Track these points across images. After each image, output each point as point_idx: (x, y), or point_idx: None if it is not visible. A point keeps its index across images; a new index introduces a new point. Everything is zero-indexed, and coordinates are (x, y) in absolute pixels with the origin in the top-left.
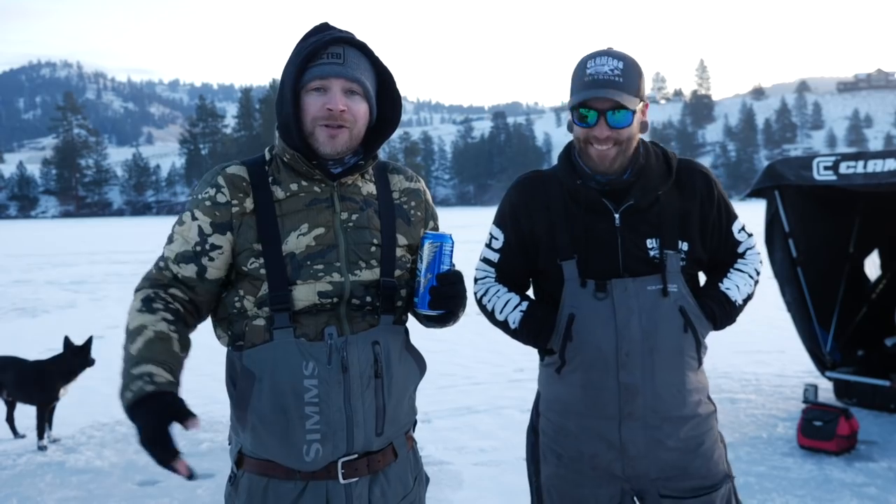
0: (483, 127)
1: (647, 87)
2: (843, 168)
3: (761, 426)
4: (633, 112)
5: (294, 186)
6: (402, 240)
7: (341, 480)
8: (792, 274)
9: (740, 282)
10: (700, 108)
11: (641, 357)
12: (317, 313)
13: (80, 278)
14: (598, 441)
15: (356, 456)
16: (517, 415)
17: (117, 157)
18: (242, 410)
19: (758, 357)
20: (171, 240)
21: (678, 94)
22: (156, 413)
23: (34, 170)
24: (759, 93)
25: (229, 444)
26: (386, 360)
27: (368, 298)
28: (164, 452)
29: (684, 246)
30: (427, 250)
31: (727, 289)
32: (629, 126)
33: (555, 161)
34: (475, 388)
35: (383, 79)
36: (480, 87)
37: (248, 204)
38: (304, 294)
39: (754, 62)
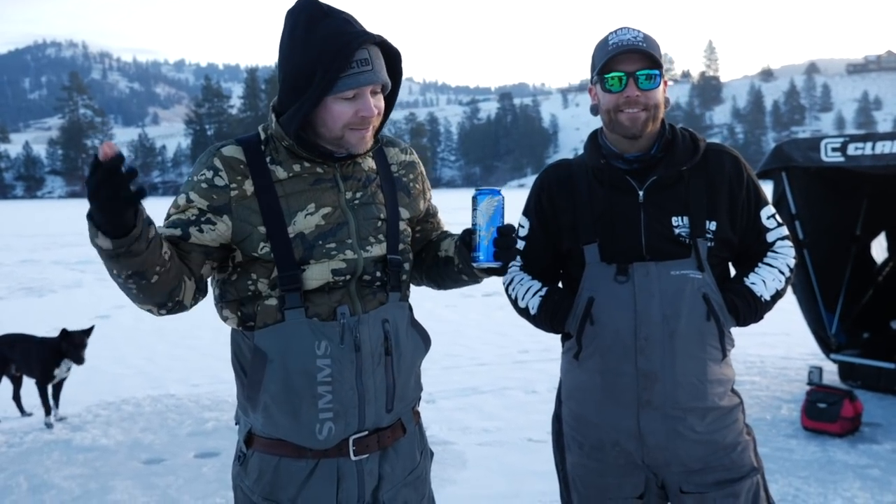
0: (489, 108)
1: None
2: (851, 150)
3: (765, 408)
4: (661, 75)
5: (297, 167)
6: (404, 213)
7: (352, 457)
8: (798, 256)
9: (768, 276)
10: (708, 89)
11: (661, 342)
12: (329, 291)
13: (86, 258)
14: (617, 431)
15: (366, 433)
16: (521, 396)
17: (123, 137)
18: (254, 391)
19: (762, 339)
20: (166, 217)
21: (686, 75)
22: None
23: (40, 150)
24: (767, 74)
25: (236, 423)
26: (395, 337)
27: (378, 274)
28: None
29: (712, 225)
30: (486, 205)
31: (752, 283)
32: (657, 89)
33: (561, 142)
34: (480, 368)
35: (391, 61)
36: (487, 68)
37: (248, 186)
38: (318, 273)
39: (763, 43)
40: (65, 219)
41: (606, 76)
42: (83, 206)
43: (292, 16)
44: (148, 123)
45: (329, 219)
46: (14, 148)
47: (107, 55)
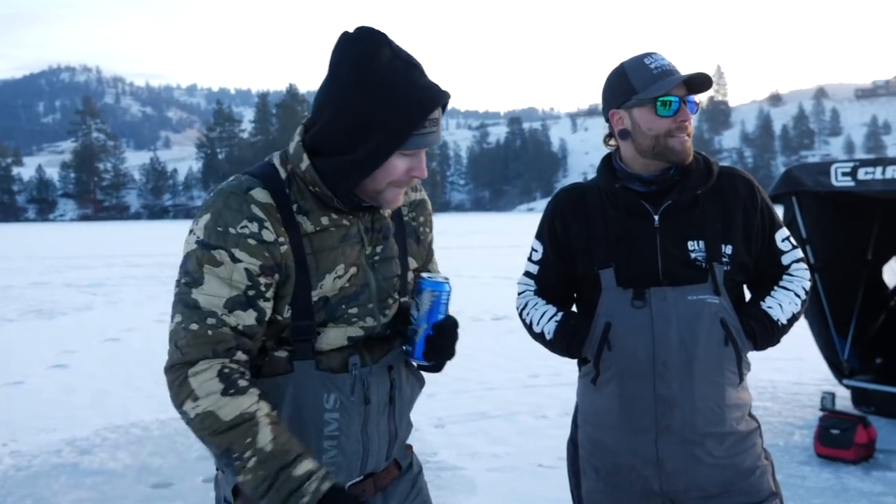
0: (499, 132)
1: None
2: (862, 174)
3: (777, 434)
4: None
5: (325, 220)
6: (412, 263)
7: None
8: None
9: (784, 300)
10: (717, 114)
11: (679, 368)
12: (340, 349)
13: (96, 281)
14: (635, 455)
15: (361, 478)
16: (531, 420)
17: (135, 160)
18: None
19: (774, 364)
20: (198, 281)
21: None
22: None
23: (53, 173)
24: (776, 99)
25: (217, 469)
26: (399, 385)
27: (388, 331)
28: None
29: (727, 249)
30: (424, 298)
31: (769, 307)
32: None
33: (570, 166)
34: (489, 393)
35: None
36: (496, 93)
37: (285, 239)
38: (334, 338)
39: (771, 68)
40: (76, 241)
41: (661, 99)
42: (94, 228)
43: (357, 46)
44: (160, 147)
45: (354, 280)
46: (27, 171)
47: (120, 80)
